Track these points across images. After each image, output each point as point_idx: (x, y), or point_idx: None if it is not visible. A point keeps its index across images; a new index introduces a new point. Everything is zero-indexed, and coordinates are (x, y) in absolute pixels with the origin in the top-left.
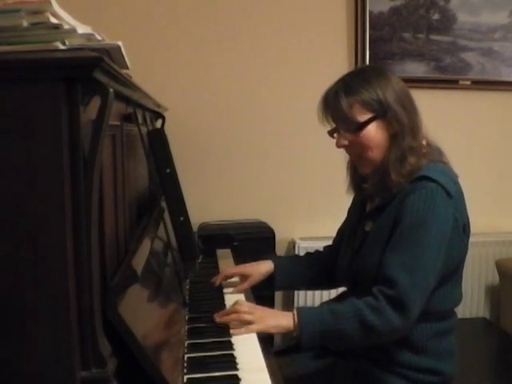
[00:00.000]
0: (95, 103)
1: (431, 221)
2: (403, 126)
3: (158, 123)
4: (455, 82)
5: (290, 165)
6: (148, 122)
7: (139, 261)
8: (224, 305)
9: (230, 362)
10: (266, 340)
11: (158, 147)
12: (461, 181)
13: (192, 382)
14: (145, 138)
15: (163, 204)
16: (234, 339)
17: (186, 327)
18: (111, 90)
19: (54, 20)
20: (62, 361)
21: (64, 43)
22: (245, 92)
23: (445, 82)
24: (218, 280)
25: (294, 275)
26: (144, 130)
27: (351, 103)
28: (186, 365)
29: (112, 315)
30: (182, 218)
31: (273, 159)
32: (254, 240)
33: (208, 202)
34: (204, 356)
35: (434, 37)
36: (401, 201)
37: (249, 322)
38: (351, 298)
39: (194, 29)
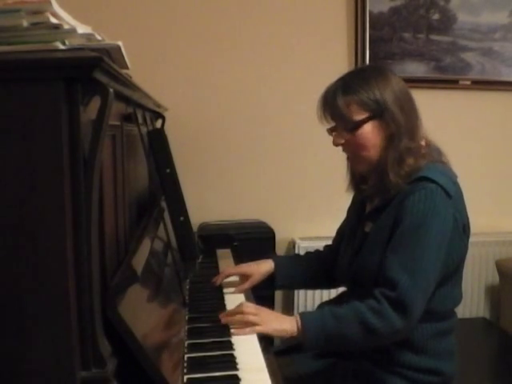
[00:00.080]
0: (95, 103)
1: (431, 221)
2: (400, 127)
3: (158, 123)
4: (455, 82)
5: (290, 165)
6: (148, 121)
7: (139, 261)
8: (224, 305)
9: (230, 362)
10: (266, 340)
11: (158, 147)
12: (461, 181)
13: (192, 382)
14: (145, 138)
15: (163, 204)
16: (233, 339)
17: (186, 327)
18: (111, 89)
19: (54, 20)
20: (62, 361)
21: (64, 43)
22: (245, 92)
23: (445, 82)
24: (218, 280)
25: (295, 275)
26: (144, 130)
27: (348, 102)
28: (186, 365)
29: (112, 315)
30: (182, 218)
31: (273, 159)
32: (253, 240)
33: (208, 202)
34: (204, 356)
35: (433, 37)
36: (400, 202)
37: (253, 324)
38: (353, 301)
39: (194, 29)
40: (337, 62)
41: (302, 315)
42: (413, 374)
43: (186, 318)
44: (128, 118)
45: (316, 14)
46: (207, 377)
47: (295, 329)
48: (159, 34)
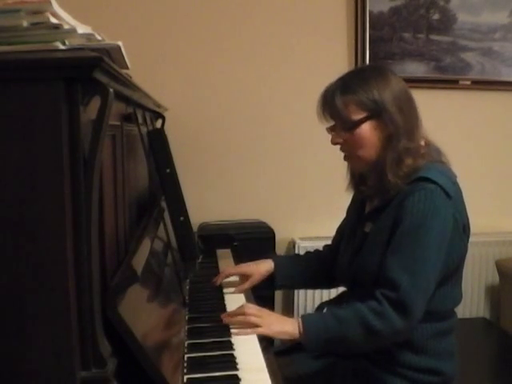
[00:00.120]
0: (95, 103)
1: (431, 222)
2: (398, 127)
3: (158, 123)
4: (455, 82)
5: (290, 165)
6: (148, 121)
7: (139, 261)
8: (224, 305)
9: (230, 362)
10: (266, 340)
11: (158, 147)
12: (461, 181)
13: (192, 382)
14: (145, 138)
15: (163, 204)
16: (234, 339)
17: (186, 327)
18: (111, 89)
19: (54, 20)
20: (62, 361)
21: (64, 43)
22: (245, 92)
23: (445, 82)
24: (218, 280)
25: (294, 274)
26: (144, 130)
27: (346, 102)
28: (186, 365)
29: (112, 315)
30: (182, 218)
31: (272, 159)
32: (254, 240)
33: (208, 202)
34: (204, 356)
35: (433, 37)
36: (400, 202)
37: (255, 325)
38: (354, 303)
39: (194, 29)
40: (337, 62)
41: (304, 317)
42: (413, 374)
43: (186, 317)
44: (128, 118)
45: (316, 14)
46: (207, 377)
47: (296, 331)
48: (159, 34)
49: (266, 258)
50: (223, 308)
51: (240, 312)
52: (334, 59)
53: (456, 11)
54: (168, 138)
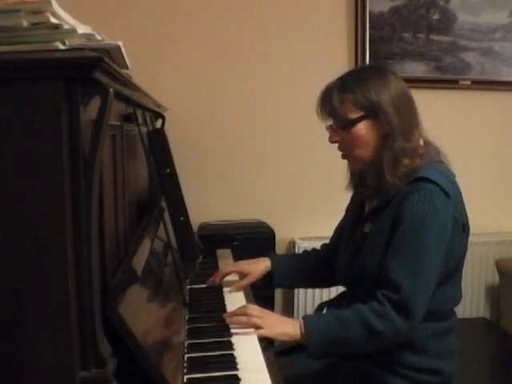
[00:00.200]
0: (95, 103)
1: (431, 222)
2: (394, 128)
3: (158, 123)
4: (455, 82)
5: (290, 165)
6: (148, 122)
7: (139, 261)
8: (224, 305)
9: (230, 362)
10: (266, 340)
11: (158, 147)
12: (461, 181)
13: (192, 382)
14: (145, 138)
15: (163, 204)
16: (234, 339)
17: (186, 327)
18: (111, 89)
19: (54, 20)
20: (62, 361)
21: (64, 43)
22: (245, 92)
23: (445, 82)
24: (216, 278)
25: (292, 273)
26: (144, 130)
27: (343, 100)
28: (186, 365)
29: (112, 315)
30: (182, 218)
31: (273, 159)
32: (254, 240)
33: (208, 202)
34: (204, 356)
35: (433, 37)
36: (399, 202)
37: (258, 326)
38: (356, 304)
39: (194, 29)
40: (337, 62)
41: (306, 319)
42: (413, 374)
43: (186, 317)
44: (128, 118)
45: (316, 14)
46: (207, 377)
47: (298, 332)
48: (159, 34)
49: (264, 256)
50: (223, 308)
51: (242, 312)
52: (334, 59)
53: (456, 11)
54: (168, 138)
